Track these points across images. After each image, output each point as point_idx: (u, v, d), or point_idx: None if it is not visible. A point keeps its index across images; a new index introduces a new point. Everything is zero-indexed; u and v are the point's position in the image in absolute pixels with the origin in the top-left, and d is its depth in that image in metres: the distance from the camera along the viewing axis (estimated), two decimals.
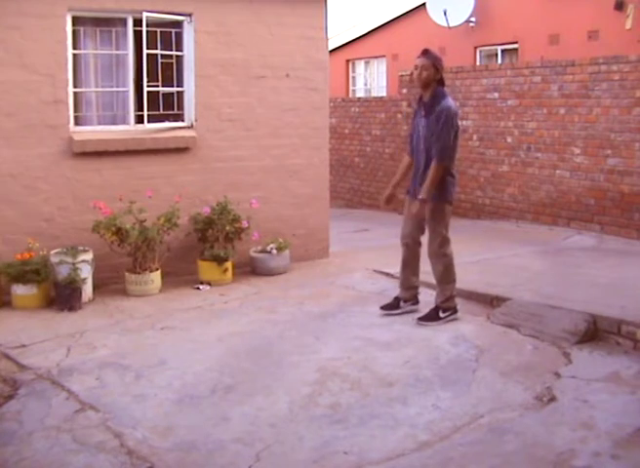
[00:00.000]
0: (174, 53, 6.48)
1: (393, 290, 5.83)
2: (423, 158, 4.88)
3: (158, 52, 6.34)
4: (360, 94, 14.86)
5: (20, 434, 3.45)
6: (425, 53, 4.84)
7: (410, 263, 5.19)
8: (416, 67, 4.84)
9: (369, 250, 7.39)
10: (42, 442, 3.37)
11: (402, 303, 5.25)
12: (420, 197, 4.78)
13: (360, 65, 15.12)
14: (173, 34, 6.46)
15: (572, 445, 3.24)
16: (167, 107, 6.55)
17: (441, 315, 5.04)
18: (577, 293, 5.33)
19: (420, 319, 5.05)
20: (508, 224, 8.95)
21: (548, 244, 7.58)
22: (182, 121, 6.58)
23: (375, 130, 11.45)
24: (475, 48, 12.03)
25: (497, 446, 3.28)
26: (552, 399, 3.76)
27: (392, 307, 5.23)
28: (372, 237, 8.49)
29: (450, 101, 4.85)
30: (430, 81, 4.81)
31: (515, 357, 4.38)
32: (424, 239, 5.11)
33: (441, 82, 4.86)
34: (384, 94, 13.31)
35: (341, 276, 6.49)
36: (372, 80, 14.88)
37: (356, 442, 3.35)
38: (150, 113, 6.30)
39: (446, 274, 5.03)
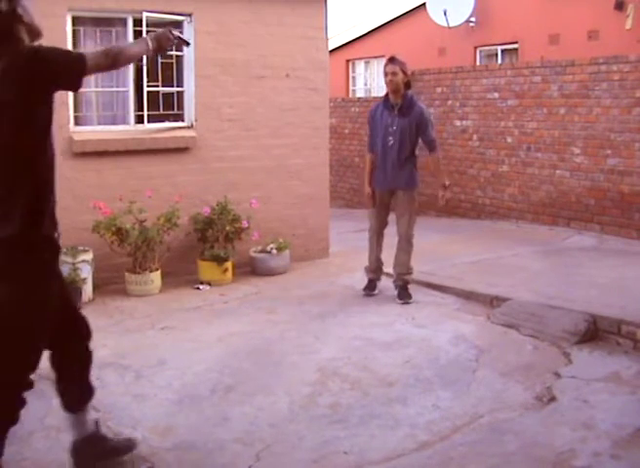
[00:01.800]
0: (174, 53, 6.47)
1: (393, 289, 5.84)
2: (397, 153, 5.48)
3: None
4: (360, 94, 14.86)
5: (20, 434, 3.43)
6: (393, 60, 5.50)
7: (380, 246, 5.77)
8: (386, 74, 5.46)
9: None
10: (42, 442, 3.38)
11: (377, 283, 5.86)
12: (448, 183, 5.69)
13: (360, 65, 15.12)
14: None
15: (572, 445, 3.24)
16: (167, 107, 6.55)
17: (409, 290, 5.67)
18: (577, 293, 5.33)
19: (404, 300, 5.57)
20: (508, 224, 8.95)
21: (548, 244, 7.58)
22: (182, 121, 6.58)
23: None
24: (475, 48, 12.03)
25: (497, 446, 3.28)
26: (552, 399, 3.75)
27: (372, 289, 5.82)
28: None
29: (422, 103, 5.70)
30: (401, 85, 5.44)
31: (515, 357, 4.38)
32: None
33: (408, 85, 5.51)
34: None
35: (341, 276, 6.49)
36: (372, 80, 14.87)
37: (356, 442, 3.34)
38: (150, 113, 6.31)
39: (411, 252, 5.66)
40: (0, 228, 2.53)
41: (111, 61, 2.67)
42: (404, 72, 5.43)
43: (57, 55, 2.55)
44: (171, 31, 2.88)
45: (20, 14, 2.56)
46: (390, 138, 5.48)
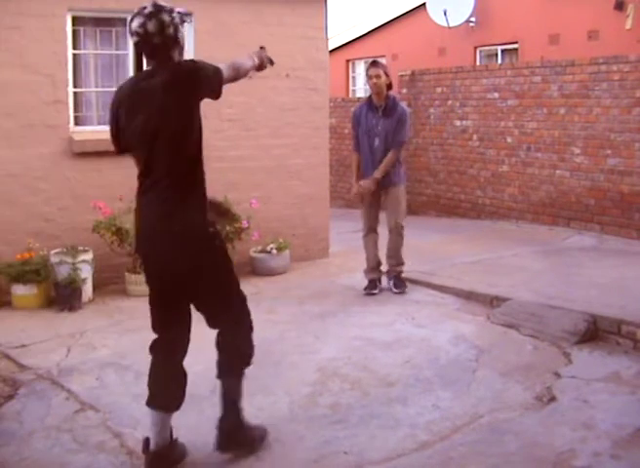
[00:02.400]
0: None
1: (391, 286, 5.84)
2: (383, 152, 5.71)
3: None
4: (360, 94, 14.84)
5: (20, 434, 3.45)
6: (375, 63, 5.79)
7: (376, 245, 5.93)
8: (370, 77, 5.71)
9: None
10: (42, 442, 3.37)
11: (378, 283, 5.91)
12: (377, 176, 5.71)
13: (360, 65, 15.11)
14: None
15: (572, 445, 3.24)
16: None
17: (403, 280, 5.92)
18: (577, 293, 5.33)
19: (400, 289, 5.82)
20: (508, 224, 8.95)
21: (548, 244, 7.58)
22: None
23: None
24: (475, 48, 12.03)
25: (497, 446, 3.28)
26: (552, 399, 3.75)
27: (373, 288, 5.86)
28: None
29: (404, 105, 6.05)
30: (384, 87, 5.71)
31: (515, 357, 4.38)
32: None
33: (390, 87, 5.78)
34: None
35: (341, 276, 6.49)
36: None
37: (356, 442, 3.35)
38: None
39: (402, 244, 5.88)
40: (176, 223, 3.00)
41: (235, 74, 3.16)
42: (386, 75, 5.70)
43: (206, 69, 2.98)
44: (264, 49, 3.38)
45: (180, 39, 3.02)
46: (376, 139, 5.73)
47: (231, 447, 3.20)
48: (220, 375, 3.26)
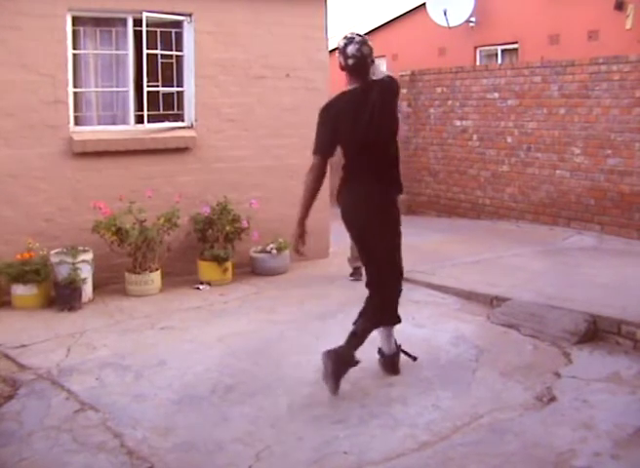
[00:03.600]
0: (174, 53, 6.48)
1: None
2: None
3: (158, 52, 6.34)
4: None
5: (20, 434, 3.45)
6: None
7: None
8: None
9: None
10: (42, 442, 3.37)
11: (361, 270, 5.96)
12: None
13: None
14: (173, 34, 6.47)
15: (572, 445, 3.24)
16: (167, 107, 6.55)
17: None
18: (577, 293, 5.33)
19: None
20: (508, 224, 8.94)
21: (548, 244, 7.57)
22: (182, 121, 6.58)
23: None
24: (475, 48, 12.01)
25: (497, 446, 3.28)
26: (552, 399, 3.76)
27: (359, 275, 5.95)
28: None
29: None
30: None
31: (515, 357, 4.38)
32: None
33: None
34: None
35: (341, 276, 6.48)
36: None
37: (356, 442, 3.35)
38: (150, 113, 6.30)
39: None
40: (398, 191, 4.01)
41: None
42: None
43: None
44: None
45: (374, 61, 3.83)
46: None
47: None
48: (359, 320, 4.15)
